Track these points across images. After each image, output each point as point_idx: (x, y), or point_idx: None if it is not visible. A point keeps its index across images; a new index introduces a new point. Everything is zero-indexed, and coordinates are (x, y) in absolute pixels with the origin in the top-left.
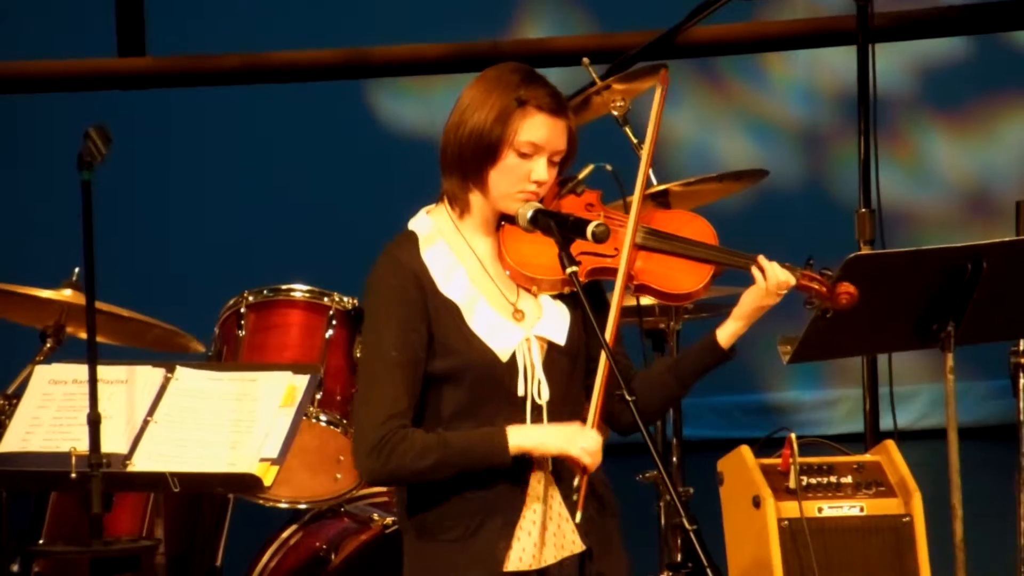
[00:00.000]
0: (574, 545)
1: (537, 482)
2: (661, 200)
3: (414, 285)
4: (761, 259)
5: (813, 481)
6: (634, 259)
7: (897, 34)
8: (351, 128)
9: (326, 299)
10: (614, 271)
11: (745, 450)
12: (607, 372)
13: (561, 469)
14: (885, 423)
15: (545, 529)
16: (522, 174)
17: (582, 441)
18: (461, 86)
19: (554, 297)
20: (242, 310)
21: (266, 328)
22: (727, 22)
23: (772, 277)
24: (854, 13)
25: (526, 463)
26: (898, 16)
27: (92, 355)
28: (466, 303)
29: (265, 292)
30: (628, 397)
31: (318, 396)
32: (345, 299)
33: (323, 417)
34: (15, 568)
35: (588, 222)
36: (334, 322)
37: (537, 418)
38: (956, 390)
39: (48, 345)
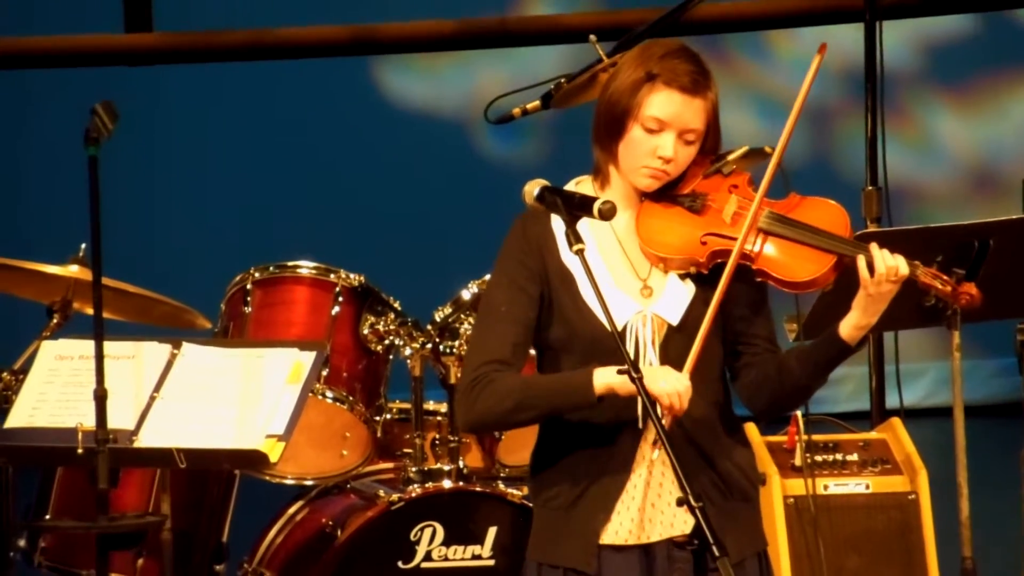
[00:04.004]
0: (685, 525)
1: (642, 458)
2: None
3: (535, 250)
4: (872, 247)
5: (819, 459)
6: (753, 243)
7: (904, 11)
8: (358, 105)
9: (332, 276)
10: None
11: (751, 427)
12: (711, 323)
13: (678, 453)
14: (891, 401)
15: (652, 507)
16: (648, 149)
17: (664, 381)
18: (468, 63)
19: (683, 276)
20: (248, 286)
21: (272, 304)
22: None
23: (879, 266)
24: None
25: (636, 433)
26: None
27: (98, 331)
28: (584, 273)
29: (271, 268)
30: (634, 375)
31: (324, 372)
32: (351, 276)
33: (329, 393)
34: (22, 543)
35: (595, 200)
36: (340, 299)
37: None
38: (962, 368)
39: (55, 321)
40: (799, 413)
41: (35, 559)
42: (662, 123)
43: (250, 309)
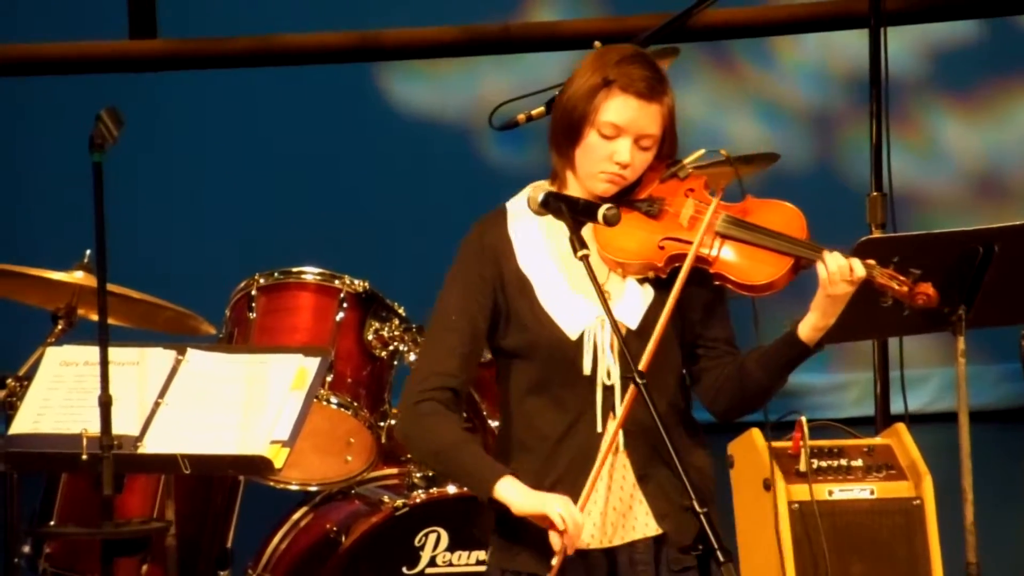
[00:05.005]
0: (647, 528)
1: (603, 461)
2: None
3: (490, 259)
4: (825, 252)
5: (823, 464)
6: (710, 247)
7: (909, 17)
8: (362, 111)
9: (337, 282)
10: (696, 258)
11: (755, 433)
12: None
13: (643, 462)
14: (896, 407)
15: (614, 511)
16: (605, 155)
17: (560, 506)
18: (472, 69)
19: (642, 281)
20: (253, 292)
21: (277, 311)
22: (738, 5)
23: (831, 266)
24: None
25: (594, 438)
26: None
27: (103, 337)
28: (541, 279)
29: (276, 275)
30: (638, 381)
31: (329, 379)
32: (356, 282)
33: (334, 400)
34: (26, 550)
35: (600, 206)
36: (345, 305)
37: (608, 398)
38: (967, 374)
39: (59, 327)
40: (804, 418)
41: (39, 565)
42: (618, 128)
43: (254, 315)
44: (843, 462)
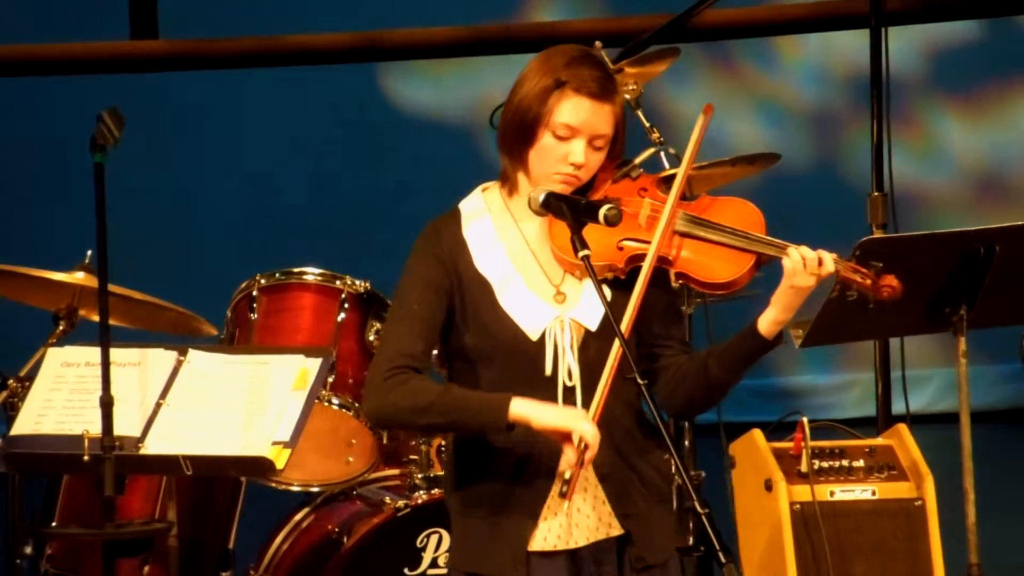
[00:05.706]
0: (611, 528)
1: (564, 469)
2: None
3: (448, 256)
4: (791, 247)
5: (825, 465)
6: (670, 246)
7: (909, 17)
8: (363, 111)
9: (338, 282)
10: (657, 258)
11: (757, 434)
12: (618, 360)
13: (605, 463)
14: (897, 407)
15: (578, 511)
16: (559, 156)
17: (587, 422)
18: (473, 69)
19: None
20: (254, 293)
21: (278, 311)
22: (739, 5)
23: (798, 257)
24: None
25: (555, 442)
26: None
27: (104, 338)
28: (499, 281)
29: (277, 275)
30: (640, 381)
31: (330, 379)
32: (357, 282)
33: (335, 400)
34: (28, 550)
35: (600, 205)
36: (346, 305)
37: (569, 399)
38: (968, 374)
39: (61, 328)
40: (805, 419)
41: (41, 566)
42: (573, 129)
43: (256, 316)
44: (845, 463)
